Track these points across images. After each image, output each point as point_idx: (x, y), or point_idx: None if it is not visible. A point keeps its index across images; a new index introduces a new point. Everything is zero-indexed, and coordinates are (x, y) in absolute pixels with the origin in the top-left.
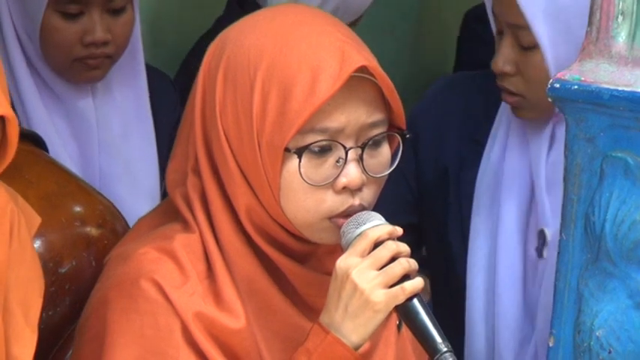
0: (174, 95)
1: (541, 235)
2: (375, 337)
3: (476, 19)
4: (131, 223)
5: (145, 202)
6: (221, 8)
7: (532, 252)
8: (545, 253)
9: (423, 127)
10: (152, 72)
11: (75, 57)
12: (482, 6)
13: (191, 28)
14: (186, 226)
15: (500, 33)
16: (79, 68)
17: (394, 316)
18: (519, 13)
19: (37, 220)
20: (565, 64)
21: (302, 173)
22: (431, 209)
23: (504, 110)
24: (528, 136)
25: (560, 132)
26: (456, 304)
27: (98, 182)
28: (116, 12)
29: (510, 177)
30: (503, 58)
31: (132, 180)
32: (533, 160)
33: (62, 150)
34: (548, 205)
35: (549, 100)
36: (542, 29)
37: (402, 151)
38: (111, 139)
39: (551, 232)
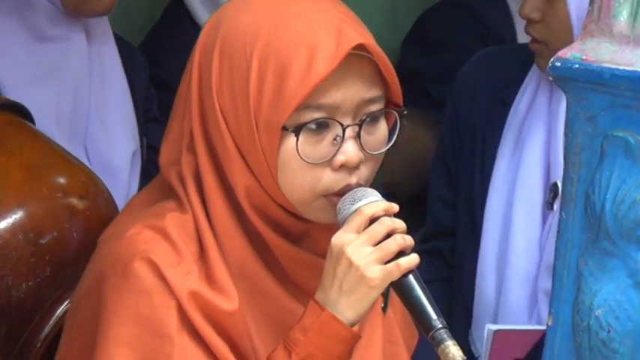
0: (141, 59)
1: (554, 187)
2: (362, 320)
3: None
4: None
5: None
6: None
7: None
8: (555, 206)
9: (461, 89)
10: (119, 40)
11: None
12: None
13: None
14: (179, 205)
15: None
16: None
17: (380, 298)
18: None
19: None
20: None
21: (299, 151)
22: (460, 167)
23: (533, 73)
24: (554, 95)
25: None
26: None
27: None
28: None
29: (533, 132)
30: (530, 5)
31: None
32: (553, 116)
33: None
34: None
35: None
36: None
37: (399, 128)
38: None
39: None
